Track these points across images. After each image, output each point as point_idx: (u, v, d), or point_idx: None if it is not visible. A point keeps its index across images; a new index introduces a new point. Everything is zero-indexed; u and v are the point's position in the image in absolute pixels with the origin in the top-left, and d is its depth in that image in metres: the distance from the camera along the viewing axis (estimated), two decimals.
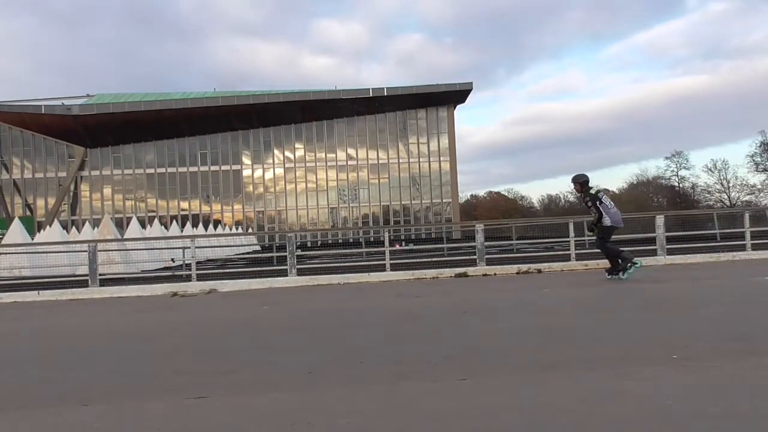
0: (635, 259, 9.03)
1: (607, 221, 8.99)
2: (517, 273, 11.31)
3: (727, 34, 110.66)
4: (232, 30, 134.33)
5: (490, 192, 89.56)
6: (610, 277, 9.19)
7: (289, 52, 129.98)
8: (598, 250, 9.55)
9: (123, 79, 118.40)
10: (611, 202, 9.21)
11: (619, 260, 9.01)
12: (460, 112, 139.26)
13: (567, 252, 12.26)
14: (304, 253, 20.73)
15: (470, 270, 11.44)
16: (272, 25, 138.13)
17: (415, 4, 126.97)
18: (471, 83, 53.02)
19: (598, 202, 9.00)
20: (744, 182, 58.47)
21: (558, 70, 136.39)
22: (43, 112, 50.52)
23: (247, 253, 26.99)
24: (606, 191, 10.04)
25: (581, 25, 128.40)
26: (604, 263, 11.69)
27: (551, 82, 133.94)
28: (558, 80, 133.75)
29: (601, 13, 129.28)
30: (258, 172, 55.54)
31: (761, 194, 56.03)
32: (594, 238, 9.53)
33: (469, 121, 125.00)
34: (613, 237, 9.39)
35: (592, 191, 9.12)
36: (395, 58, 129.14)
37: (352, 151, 55.37)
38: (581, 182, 9.21)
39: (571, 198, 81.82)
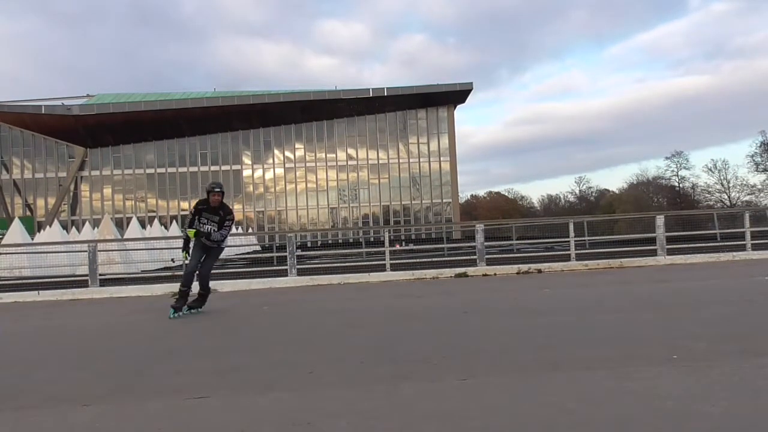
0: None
1: (228, 241, 7.80)
2: (517, 273, 11.31)
3: (728, 34, 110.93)
4: (235, 30, 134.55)
5: (490, 192, 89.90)
6: (189, 311, 7.67)
7: (292, 53, 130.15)
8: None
9: (124, 79, 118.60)
10: None
11: (204, 293, 7.86)
12: (462, 112, 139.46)
13: (567, 252, 12.26)
14: (304, 253, 20.72)
15: (470, 270, 11.44)
16: (275, 25, 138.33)
17: (417, 4, 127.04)
18: (471, 83, 53.12)
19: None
20: (744, 182, 58.68)
21: (560, 71, 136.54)
22: (43, 112, 50.52)
23: (248, 253, 26.97)
24: None
25: (584, 25, 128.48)
26: (605, 263, 11.78)
27: (553, 83, 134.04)
28: (560, 80, 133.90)
29: (604, 14, 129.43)
30: (258, 172, 55.54)
31: (761, 194, 56.15)
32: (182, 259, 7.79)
33: (470, 121, 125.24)
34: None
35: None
36: (398, 58, 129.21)
37: (352, 151, 55.37)
38: (224, 192, 7.63)
39: (571, 198, 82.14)
